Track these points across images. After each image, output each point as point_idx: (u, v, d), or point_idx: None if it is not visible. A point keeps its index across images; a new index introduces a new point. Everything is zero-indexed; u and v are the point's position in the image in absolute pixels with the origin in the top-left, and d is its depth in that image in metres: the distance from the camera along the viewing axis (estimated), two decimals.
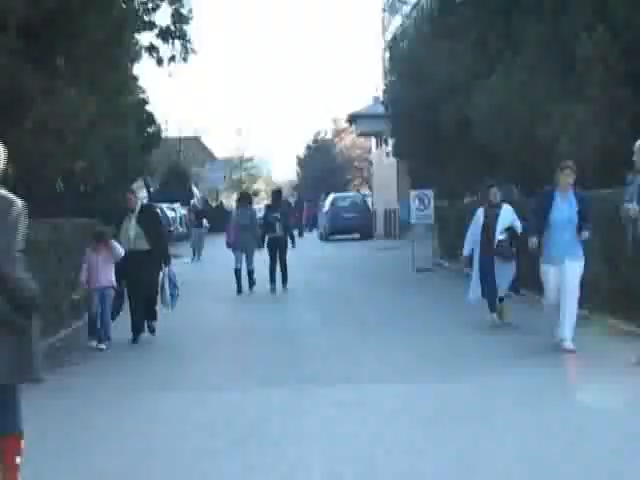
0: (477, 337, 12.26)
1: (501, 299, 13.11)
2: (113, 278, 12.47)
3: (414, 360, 10.89)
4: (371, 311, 15.63)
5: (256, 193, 76.62)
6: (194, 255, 29.78)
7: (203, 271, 25.92)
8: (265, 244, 19.43)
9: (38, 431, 7.20)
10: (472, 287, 13.26)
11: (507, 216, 13.04)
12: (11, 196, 5.44)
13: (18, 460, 5.40)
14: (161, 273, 13.17)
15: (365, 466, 6.67)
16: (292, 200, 53.68)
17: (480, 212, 13.25)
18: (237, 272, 19.19)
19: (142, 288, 12.88)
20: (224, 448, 7.25)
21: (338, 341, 12.57)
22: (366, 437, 7.47)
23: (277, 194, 21.00)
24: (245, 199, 20.55)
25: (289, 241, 19.68)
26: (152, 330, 13.22)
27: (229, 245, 19.77)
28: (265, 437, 7.56)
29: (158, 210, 16.42)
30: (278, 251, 19.27)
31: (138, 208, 13.06)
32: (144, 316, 12.99)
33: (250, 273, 19.27)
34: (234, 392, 9.36)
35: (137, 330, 12.85)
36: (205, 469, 6.73)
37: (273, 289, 19.16)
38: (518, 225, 12.89)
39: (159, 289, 13.17)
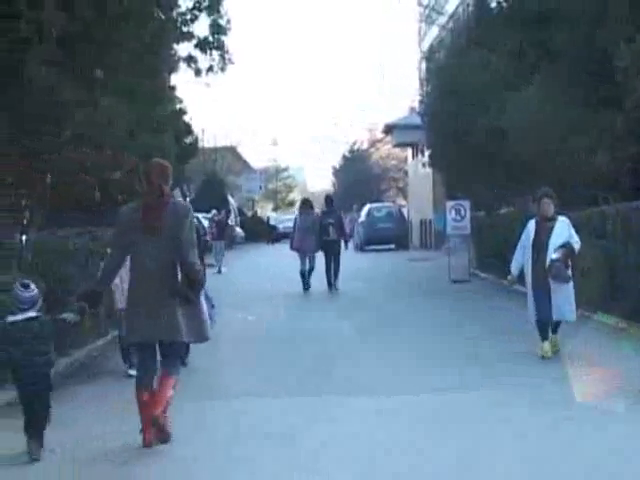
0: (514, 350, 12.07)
1: (555, 328, 11.20)
2: None
3: (429, 364, 11.01)
4: (406, 321, 15.51)
5: (292, 203, 76.84)
6: (221, 265, 29.79)
7: (232, 281, 25.91)
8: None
9: (77, 437, 7.30)
10: (529, 312, 11.35)
11: (563, 231, 11.05)
12: (185, 202, 7.75)
13: (171, 392, 7.29)
14: None
15: (365, 466, 6.69)
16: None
17: (531, 225, 11.23)
18: (302, 273, 20.60)
19: None
20: (223, 448, 7.33)
21: (370, 348, 12.56)
22: (366, 437, 7.52)
23: (330, 200, 22.10)
24: (307, 205, 21.67)
25: (343, 244, 21.10)
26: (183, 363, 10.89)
27: (293, 248, 21.00)
28: (266, 437, 7.60)
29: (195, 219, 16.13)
30: (332, 254, 20.55)
31: None
32: None
33: (310, 270, 20.56)
34: (266, 398, 9.30)
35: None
36: (203, 467, 6.80)
37: (330, 288, 20.52)
38: (576, 241, 11.10)
39: None
